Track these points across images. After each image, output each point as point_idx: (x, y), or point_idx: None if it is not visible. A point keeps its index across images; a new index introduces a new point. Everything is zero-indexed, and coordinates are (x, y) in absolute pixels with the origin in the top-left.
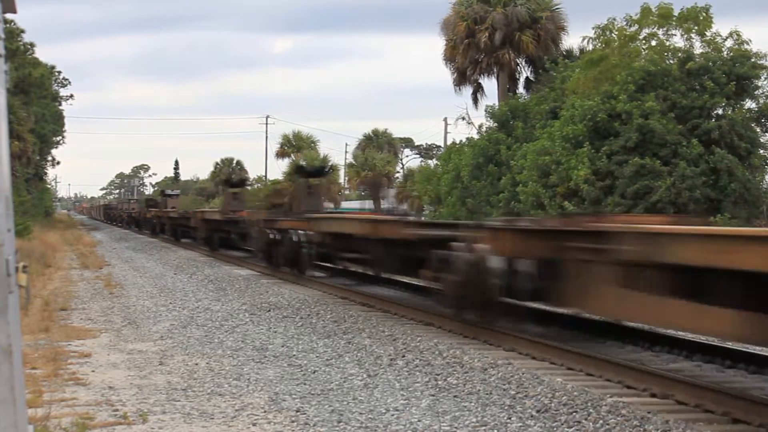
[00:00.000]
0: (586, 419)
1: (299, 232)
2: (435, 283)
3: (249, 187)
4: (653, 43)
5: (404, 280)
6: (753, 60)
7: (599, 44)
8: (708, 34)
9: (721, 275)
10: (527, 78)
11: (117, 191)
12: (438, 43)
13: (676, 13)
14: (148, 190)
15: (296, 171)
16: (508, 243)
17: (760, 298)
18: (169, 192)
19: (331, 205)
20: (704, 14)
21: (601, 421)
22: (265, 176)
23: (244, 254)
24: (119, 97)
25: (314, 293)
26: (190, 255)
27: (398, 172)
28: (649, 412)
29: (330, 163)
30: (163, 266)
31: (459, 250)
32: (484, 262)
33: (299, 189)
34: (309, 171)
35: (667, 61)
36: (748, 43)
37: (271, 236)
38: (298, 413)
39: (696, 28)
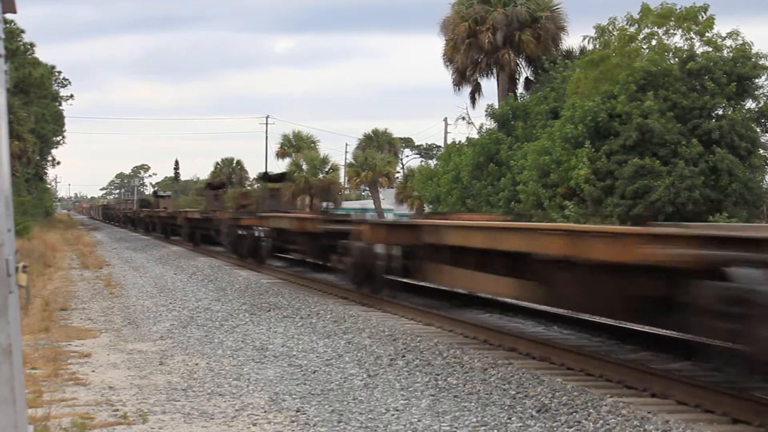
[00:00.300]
0: (586, 419)
1: (259, 228)
2: (340, 265)
3: (250, 188)
4: (653, 42)
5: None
6: (754, 60)
7: (599, 44)
8: (708, 34)
9: (471, 251)
10: (527, 78)
11: (117, 191)
12: (438, 43)
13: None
14: (149, 190)
15: (260, 177)
16: (382, 234)
17: (485, 264)
18: (161, 193)
19: (332, 205)
20: (703, 14)
21: (601, 421)
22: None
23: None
24: (120, 97)
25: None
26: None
27: (398, 172)
28: (649, 412)
29: (330, 163)
30: (163, 266)
31: (354, 239)
32: (371, 248)
33: (262, 192)
34: (270, 177)
35: (668, 62)
36: (750, 45)
37: (239, 232)
38: (298, 413)
39: (696, 27)
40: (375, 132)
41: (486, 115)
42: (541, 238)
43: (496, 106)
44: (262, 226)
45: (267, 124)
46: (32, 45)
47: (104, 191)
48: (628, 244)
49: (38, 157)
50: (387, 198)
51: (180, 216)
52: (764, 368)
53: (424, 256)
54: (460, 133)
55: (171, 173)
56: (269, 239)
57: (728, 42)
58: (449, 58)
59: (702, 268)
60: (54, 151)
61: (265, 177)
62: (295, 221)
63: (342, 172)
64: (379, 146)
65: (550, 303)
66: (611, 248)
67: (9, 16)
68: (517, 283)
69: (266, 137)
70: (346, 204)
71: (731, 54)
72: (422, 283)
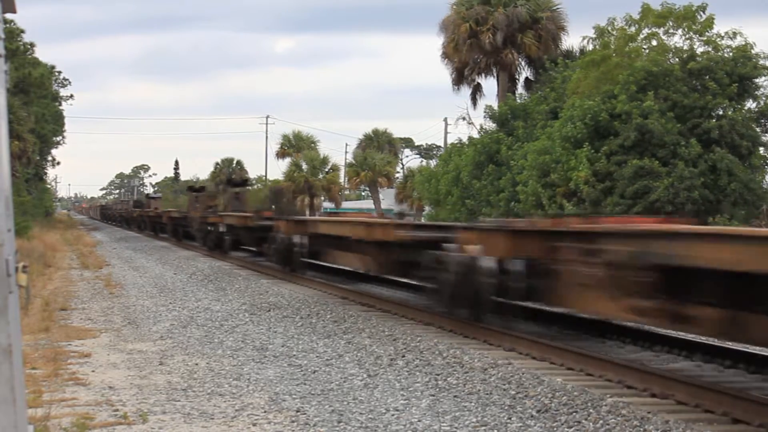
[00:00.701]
0: (586, 419)
1: (221, 224)
2: (269, 251)
3: (250, 188)
4: (653, 43)
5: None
6: (754, 61)
7: (599, 45)
8: (708, 33)
9: (339, 238)
10: (527, 78)
11: (117, 191)
12: (438, 43)
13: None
14: (149, 191)
15: (226, 182)
16: (293, 227)
17: (342, 246)
18: (151, 195)
19: (332, 205)
20: (702, 13)
21: (601, 421)
22: (265, 176)
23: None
24: (120, 97)
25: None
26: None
27: (398, 172)
28: (649, 412)
29: (330, 163)
30: (162, 265)
31: (276, 232)
32: (290, 238)
33: (228, 195)
34: (235, 182)
35: (669, 61)
36: (753, 46)
37: (208, 228)
38: (298, 413)
39: (695, 27)
40: (375, 132)
41: (484, 116)
42: (355, 227)
43: (496, 107)
44: (222, 223)
45: (267, 124)
46: (32, 45)
47: (104, 191)
48: (390, 230)
49: (38, 157)
50: (387, 198)
51: (165, 215)
52: (446, 299)
53: (316, 243)
54: (461, 133)
55: (171, 173)
56: (229, 234)
57: (728, 42)
58: (449, 58)
59: (429, 242)
60: (54, 151)
61: (229, 182)
62: (240, 218)
63: (342, 172)
64: (379, 146)
65: (363, 269)
66: (383, 233)
67: (9, 16)
68: (354, 257)
69: (266, 137)
70: (345, 204)
71: (732, 54)
72: (323, 263)
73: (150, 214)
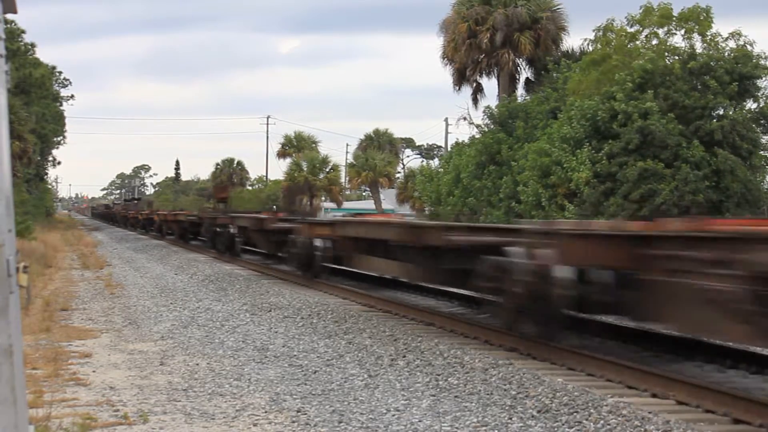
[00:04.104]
0: (587, 419)
1: (129, 216)
2: (205, 238)
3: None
4: (654, 42)
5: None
6: (755, 61)
7: (599, 45)
8: (708, 34)
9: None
10: (527, 78)
11: (118, 191)
12: (439, 44)
13: (676, 13)
14: (150, 191)
15: (131, 199)
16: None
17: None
18: (116, 202)
19: (333, 205)
20: (705, 15)
21: (602, 422)
22: (266, 176)
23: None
24: (121, 97)
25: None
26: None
27: (399, 172)
28: (650, 413)
29: (331, 164)
30: (161, 264)
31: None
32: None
33: (132, 203)
34: (135, 198)
35: (668, 60)
36: (751, 45)
37: (126, 218)
38: (299, 413)
39: (697, 27)
40: (376, 132)
41: (484, 116)
42: (241, 219)
43: (496, 108)
44: (129, 215)
45: (267, 124)
46: (33, 45)
47: (105, 191)
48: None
49: (39, 158)
50: (388, 198)
51: (113, 212)
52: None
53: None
54: (462, 134)
55: (172, 173)
56: (133, 221)
57: (731, 44)
58: (450, 58)
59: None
60: (55, 152)
61: (132, 199)
62: (144, 214)
63: (343, 173)
64: (379, 146)
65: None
66: (255, 223)
67: (10, 16)
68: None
69: (267, 137)
70: (346, 204)
71: (732, 54)
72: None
73: (111, 212)
